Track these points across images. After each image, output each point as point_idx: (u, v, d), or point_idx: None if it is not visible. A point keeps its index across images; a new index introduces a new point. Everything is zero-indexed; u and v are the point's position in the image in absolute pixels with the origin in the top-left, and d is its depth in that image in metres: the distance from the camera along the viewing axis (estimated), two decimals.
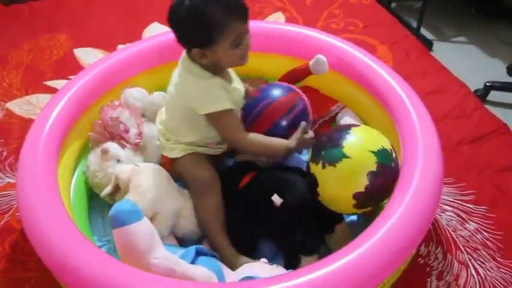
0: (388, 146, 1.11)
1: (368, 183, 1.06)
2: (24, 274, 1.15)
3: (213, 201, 1.18)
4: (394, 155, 1.11)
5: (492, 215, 1.28)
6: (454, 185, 1.36)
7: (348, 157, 1.06)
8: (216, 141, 1.28)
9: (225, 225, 1.17)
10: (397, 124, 1.20)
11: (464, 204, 1.32)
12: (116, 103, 1.35)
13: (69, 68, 1.79)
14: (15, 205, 1.30)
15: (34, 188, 1.04)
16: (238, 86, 1.26)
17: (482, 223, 1.26)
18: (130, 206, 0.98)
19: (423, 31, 2.78)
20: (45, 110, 1.24)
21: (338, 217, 1.15)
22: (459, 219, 1.28)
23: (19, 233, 1.23)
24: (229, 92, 1.18)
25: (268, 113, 1.22)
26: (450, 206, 1.31)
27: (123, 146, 1.30)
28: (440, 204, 1.30)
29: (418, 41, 1.96)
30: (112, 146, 1.28)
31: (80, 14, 2.15)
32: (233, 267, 1.07)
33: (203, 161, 1.25)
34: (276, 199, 1.10)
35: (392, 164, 1.10)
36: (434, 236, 1.23)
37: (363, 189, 1.06)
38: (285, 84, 1.31)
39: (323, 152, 1.10)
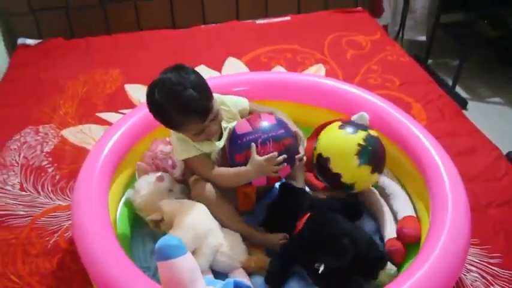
0: (356, 148, 1.32)
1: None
2: None
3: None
4: (365, 144, 1.32)
5: None
6: (480, 247, 1.38)
7: None
8: None
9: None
10: (428, 184, 1.26)
11: (490, 266, 1.33)
12: (168, 139, 1.45)
13: (120, 102, 1.92)
14: (64, 226, 1.40)
15: (88, 216, 1.15)
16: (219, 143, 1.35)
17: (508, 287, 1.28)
18: (176, 241, 1.05)
19: (458, 89, 2.84)
20: (100, 142, 1.37)
21: (381, 263, 1.20)
22: (484, 281, 1.29)
23: (66, 253, 1.32)
24: (200, 144, 1.31)
25: None
26: (475, 266, 1.33)
27: None
28: (466, 264, 1.32)
29: (453, 100, 2.01)
30: (167, 176, 1.38)
31: (132, 51, 2.30)
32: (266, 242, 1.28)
33: None
34: (319, 267, 1.15)
35: (370, 148, 1.32)
36: None
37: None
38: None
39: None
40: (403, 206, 1.36)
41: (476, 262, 1.35)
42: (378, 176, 1.38)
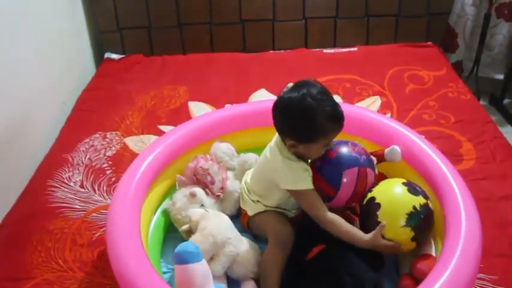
0: (409, 209, 1.28)
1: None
2: (103, 280, 1.39)
3: (283, 256, 1.32)
4: (420, 210, 1.29)
5: None
6: None
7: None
8: (291, 208, 1.46)
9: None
10: (446, 222, 1.28)
11: None
12: (209, 157, 1.58)
13: (181, 117, 2.07)
14: None
15: (119, 218, 1.29)
16: None
17: None
18: (193, 248, 1.19)
19: None
20: (147, 150, 1.52)
21: None
22: None
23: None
24: (310, 175, 1.35)
25: None
26: None
27: (206, 194, 1.53)
28: None
29: (509, 144, 1.93)
30: (199, 192, 1.50)
31: (201, 71, 2.48)
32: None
33: (283, 218, 1.42)
34: None
35: (422, 216, 1.29)
36: None
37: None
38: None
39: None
40: (425, 245, 1.37)
41: None
42: (415, 246, 1.32)
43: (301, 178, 1.33)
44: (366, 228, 1.32)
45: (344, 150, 1.37)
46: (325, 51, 2.66)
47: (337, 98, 2.23)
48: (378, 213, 1.30)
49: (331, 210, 1.35)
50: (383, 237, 1.28)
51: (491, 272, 1.38)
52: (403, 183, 1.35)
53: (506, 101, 2.95)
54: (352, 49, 2.66)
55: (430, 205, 1.33)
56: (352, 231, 1.31)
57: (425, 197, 1.34)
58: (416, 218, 1.28)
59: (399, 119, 2.00)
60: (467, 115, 2.09)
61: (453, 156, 1.79)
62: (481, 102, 2.75)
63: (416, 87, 2.31)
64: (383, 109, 2.14)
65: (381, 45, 2.68)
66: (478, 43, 2.83)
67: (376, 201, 1.32)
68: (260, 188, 1.45)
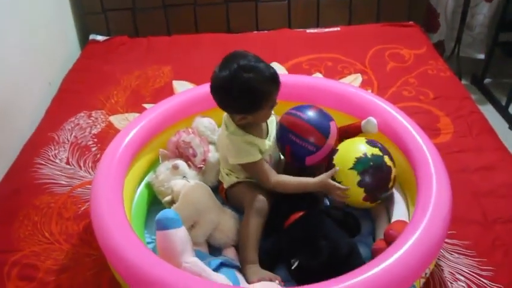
0: (359, 154, 1.36)
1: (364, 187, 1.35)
2: (88, 251, 1.44)
3: (260, 223, 1.36)
4: (370, 157, 1.35)
5: None
6: (475, 259, 1.39)
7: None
8: None
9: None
10: (419, 189, 1.33)
11: (479, 278, 1.35)
12: (190, 130, 1.62)
13: (165, 95, 2.06)
14: None
15: (103, 190, 1.32)
16: (269, 141, 1.46)
17: None
18: (174, 215, 1.23)
19: None
20: (129, 125, 1.56)
21: None
22: None
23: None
24: (257, 145, 1.40)
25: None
26: (464, 276, 1.35)
27: (189, 166, 1.57)
28: (454, 273, 1.36)
29: (485, 118, 2.00)
30: (182, 164, 1.54)
31: (185, 51, 2.51)
32: (252, 279, 1.26)
33: (258, 188, 1.45)
34: (294, 262, 1.25)
35: (371, 163, 1.35)
36: None
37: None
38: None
39: None
40: (399, 212, 1.42)
41: (466, 272, 1.37)
42: (364, 195, 1.37)
43: (245, 152, 1.37)
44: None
45: (317, 108, 1.47)
46: (308, 31, 2.70)
47: (319, 76, 2.27)
48: (334, 157, 1.40)
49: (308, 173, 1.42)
50: (334, 181, 1.35)
51: (464, 238, 1.45)
52: (366, 138, 1.44)
53: (487, 80, 3.00)
54: (335, 29, 2.69)
55: (387, 161, 1.38)
56: (302, 180, 1.37)
57: (385, 152, 1.40)
58: (364, 163, 1.35)
59: (379, 95, 2.03)
60: (445, 91, 2.13)
61: (431, 130, 1.84)
62: (463, 82, 2.81)
63: (397, 65, 2.35)
64: (364, 86, 2.18)
65: (363, 24, 2.71)
66: (459, 23, 2.87)
67: (337, 148, 1.43)
68: (225, 162, 1.50)
